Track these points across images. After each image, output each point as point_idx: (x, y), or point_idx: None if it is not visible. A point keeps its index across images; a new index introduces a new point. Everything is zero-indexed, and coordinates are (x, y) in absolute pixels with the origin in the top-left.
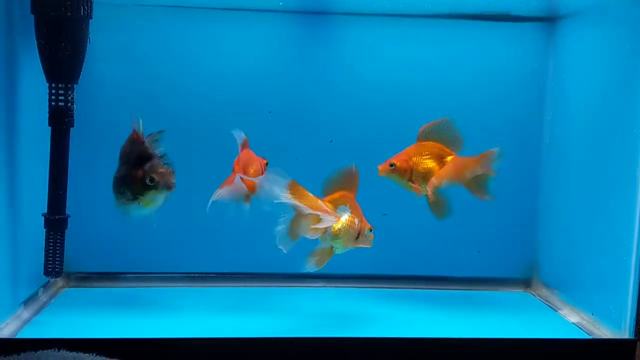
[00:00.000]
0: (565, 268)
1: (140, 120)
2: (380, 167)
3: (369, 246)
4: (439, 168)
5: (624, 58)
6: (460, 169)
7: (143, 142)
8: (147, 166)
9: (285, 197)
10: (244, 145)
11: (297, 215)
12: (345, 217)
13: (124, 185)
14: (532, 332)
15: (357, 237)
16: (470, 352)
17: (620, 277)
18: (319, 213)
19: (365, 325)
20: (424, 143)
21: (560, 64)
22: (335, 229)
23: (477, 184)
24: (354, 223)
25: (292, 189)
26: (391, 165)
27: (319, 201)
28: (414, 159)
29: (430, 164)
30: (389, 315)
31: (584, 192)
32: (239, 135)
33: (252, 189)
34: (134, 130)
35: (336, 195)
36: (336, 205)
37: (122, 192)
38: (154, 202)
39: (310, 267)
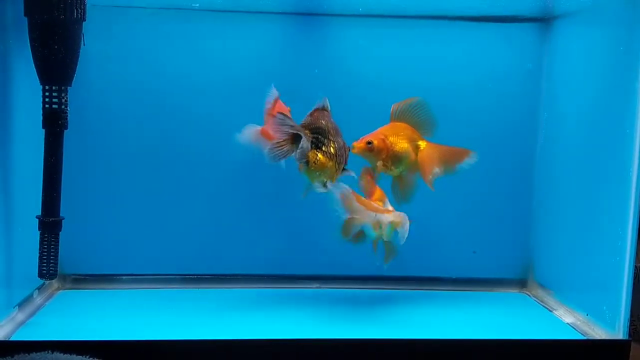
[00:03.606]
0: (560, 269)
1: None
2: (356, 144)
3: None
4: (413, 151)
5: (618, 58)
6: (450, 158)
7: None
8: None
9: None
10: (276, 101)
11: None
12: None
13: (344, 156)
14: (527, 333)
15: None
16: (465, 352)
17: (614, 278)
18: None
19: (360, 326)
20: (397, 124)
21: (555, 64)
22: (398, 221)
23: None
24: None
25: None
26: (369, 143)
27: (372, 203)
28: (391, 138)
29: (405, 145)
30: (384, 316)
31: (578, 193)
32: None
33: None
34: (325, 107)
35: (377, 193)
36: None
37: (340, 162)
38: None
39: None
